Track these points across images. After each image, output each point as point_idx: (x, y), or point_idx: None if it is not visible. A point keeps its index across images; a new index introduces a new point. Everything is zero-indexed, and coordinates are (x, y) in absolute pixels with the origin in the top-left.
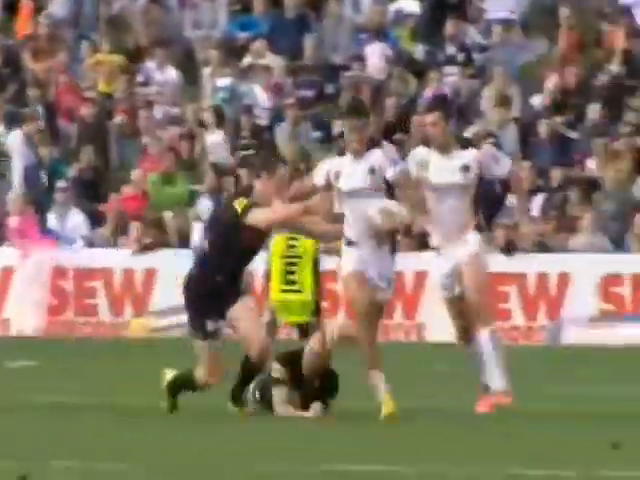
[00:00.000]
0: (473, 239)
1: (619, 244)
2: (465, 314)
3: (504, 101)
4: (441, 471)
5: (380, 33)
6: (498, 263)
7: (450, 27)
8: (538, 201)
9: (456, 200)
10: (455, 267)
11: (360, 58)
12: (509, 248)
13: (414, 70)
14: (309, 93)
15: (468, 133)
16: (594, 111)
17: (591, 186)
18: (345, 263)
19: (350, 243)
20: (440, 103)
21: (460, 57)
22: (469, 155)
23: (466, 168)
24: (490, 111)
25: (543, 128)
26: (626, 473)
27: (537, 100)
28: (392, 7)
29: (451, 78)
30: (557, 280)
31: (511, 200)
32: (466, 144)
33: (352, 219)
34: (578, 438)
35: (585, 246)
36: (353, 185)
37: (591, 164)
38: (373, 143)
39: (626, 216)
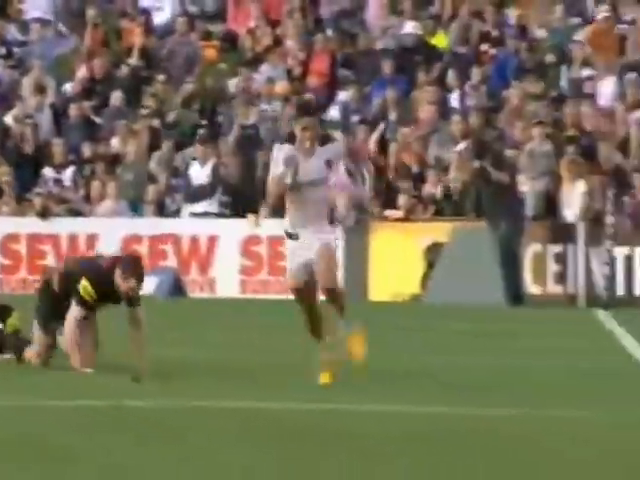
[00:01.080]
0: None
1: (137, 209)
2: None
3: (40, 88)
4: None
5: None
6: (35, 225)
7: None
8: (69, 173)
9: None
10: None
11: None
12: (44, 213)
13: None
14: None
15: (9, 117)
16: (117, 97)
17: (114, 160)
18: (289, 270)
19: (291, 236)
20: None
21: (2, 51)
22: None
23: None
24: (29, 97)
25: (74, 111)
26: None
27: (69, 88)
28: None
29: None
30: (86, 240)
31: (44, 172)
32: None
33: (303, 208)
34: None
35: (110, 211)
36: (311, 177)
37: (114, 142)
38: (327, 138)
39: (142, 185)
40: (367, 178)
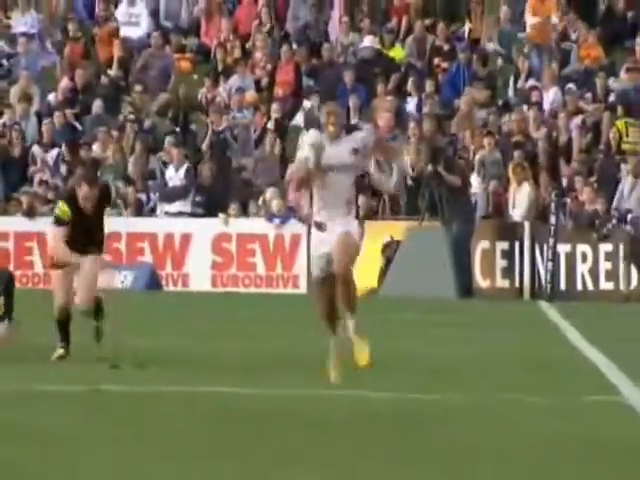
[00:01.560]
0: None
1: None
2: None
3: (27, 97)
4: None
5: None
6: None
7: None
8: (54, 153)
9: None
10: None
11: None
12: (30, 212)
13: None
14: None
15: None
16: (97, 106)
17: (96, 163)
18: (312, 246)
19: (320, 226)
20: None
21: None
22: None
23: None
24: (16, 105)
25: (57, 119)
26: None
27: (52, 97)
28: None
29: None
30: None
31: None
32: None
33: (327, 194)
34: None
35: None
36: (335, 162)
37: (95, 147)
38: (354, 127)
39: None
40: (396, 174)
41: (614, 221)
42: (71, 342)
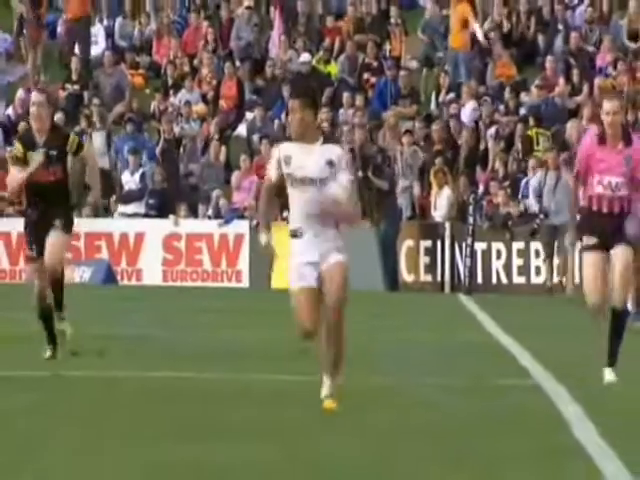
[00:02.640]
0: None
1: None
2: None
3: None
4: None
5: None
6: None
7: None
8: None
9: None
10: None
11: None
12: None
13: None
14: None
15: None
16: (58, 118)
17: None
18: (293, 277)
19: (295, 234)
20: None
21: None
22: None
23: None
24: None
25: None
26: None
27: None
28: None
29: None
30: None
31: None
32: None
33: (302, 209)
34: None
35: None
36: (310, 173)
37: None
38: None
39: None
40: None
41: (542, 216)
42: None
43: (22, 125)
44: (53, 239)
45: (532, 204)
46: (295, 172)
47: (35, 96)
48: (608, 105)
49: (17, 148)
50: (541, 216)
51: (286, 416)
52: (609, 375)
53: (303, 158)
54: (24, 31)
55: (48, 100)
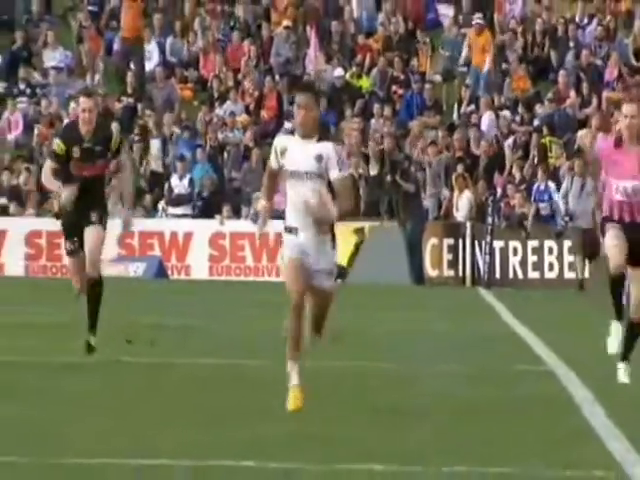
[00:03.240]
0: None
1: None
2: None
3: (58, 119)
4: None
5: None
6: None
7: (21, 72)
8: None
9: None
10: None
11: None
12: None
13: None
14: None
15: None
16: (114, 127)
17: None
18: (285, 251)
19: (290, 230)
20: None
21: (27, 91)
22: None
23: None
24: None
25: None
26: None
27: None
28: None
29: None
30: None
31: None
32: None
33: (296, 202)
34: None
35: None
36: (301, 167)
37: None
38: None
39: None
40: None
41: (567, 218)
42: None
43: (65, 123)
44: (91, 235)
45: (560, 206)
46: (287, 165)
47: (84, 102)
48: (628, 108)
49: (58, 144)
50: (566, 218)
51: (320, 397)
52: (623, 377)
53: (297, 152)
54: (84, 46)
55: (96, 104)
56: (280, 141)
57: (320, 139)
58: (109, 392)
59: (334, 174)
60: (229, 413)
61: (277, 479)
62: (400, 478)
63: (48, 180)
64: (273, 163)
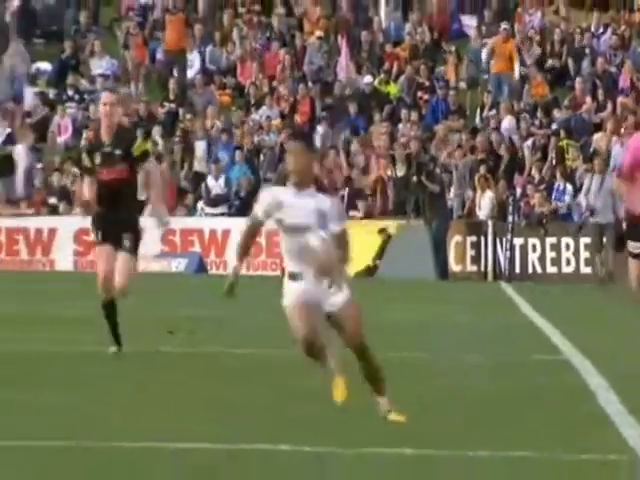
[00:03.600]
0: None
1: None
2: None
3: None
4: None
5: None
6: None
7: (70, 79)
8: None
9: None
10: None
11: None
12: None
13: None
14: None
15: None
16: (156, 130)
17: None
18: (287, 299)
19: (294, 276)
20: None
21: (76, 97)
22: None
23: None
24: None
25: None
26: None
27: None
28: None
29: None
30: None
31: None
32: None
33: (296, 250)
34: None
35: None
36: (301, 220)
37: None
38: (320, 187)
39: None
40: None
41: (587, 213)
42: (119, 335)
43: (85, 136)
44: (123, 263)
45: (582, 202)
46: (286, 219)
47: (106, 97)
48: None
49: (83, 158)
50: (586, 213)
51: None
52: None
53: (295, 205)
54: (129, 55)
55: (118, 101)
56: (273, 194)
57: (317, 190)
58: (150, 380)
59: (334, 229)
60: (264, 398)
61: (311, 462)
62: (429, 461)
63: (80, 190)
64: (260, 215)
